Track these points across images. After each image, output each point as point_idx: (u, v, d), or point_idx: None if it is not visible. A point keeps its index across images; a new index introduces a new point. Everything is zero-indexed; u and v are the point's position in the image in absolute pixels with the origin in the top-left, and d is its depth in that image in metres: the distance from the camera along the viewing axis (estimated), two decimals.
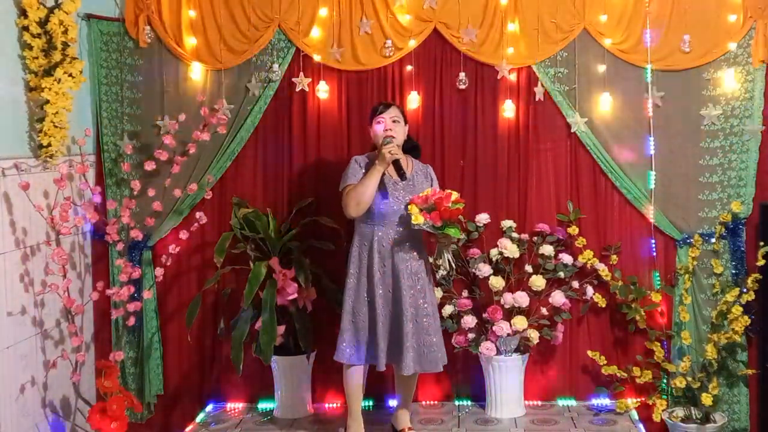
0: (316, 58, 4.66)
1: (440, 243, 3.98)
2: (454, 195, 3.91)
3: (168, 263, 4.47)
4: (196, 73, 4.68)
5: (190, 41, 4.68)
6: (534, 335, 4.52)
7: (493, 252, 4.60)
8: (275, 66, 4.67)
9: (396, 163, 3.96)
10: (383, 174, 3.98)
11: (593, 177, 4.68)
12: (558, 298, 4.55)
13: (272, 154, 4.78)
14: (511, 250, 4.56)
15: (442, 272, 4.61)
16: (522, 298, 4.51)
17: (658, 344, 4.51)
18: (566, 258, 4.59)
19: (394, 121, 4.06)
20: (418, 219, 3.86)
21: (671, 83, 4.55)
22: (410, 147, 4.23)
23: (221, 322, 4.61)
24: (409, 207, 3.92)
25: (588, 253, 4.56)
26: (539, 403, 4.74)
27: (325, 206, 4.65)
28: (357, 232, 4.12)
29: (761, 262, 4.33)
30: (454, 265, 4.20)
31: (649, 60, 4.52)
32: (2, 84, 3.86)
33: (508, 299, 4.52)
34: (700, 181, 4.57)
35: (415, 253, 4.04)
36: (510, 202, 4.73)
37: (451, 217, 3.87)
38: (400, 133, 4.08)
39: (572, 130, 4.63)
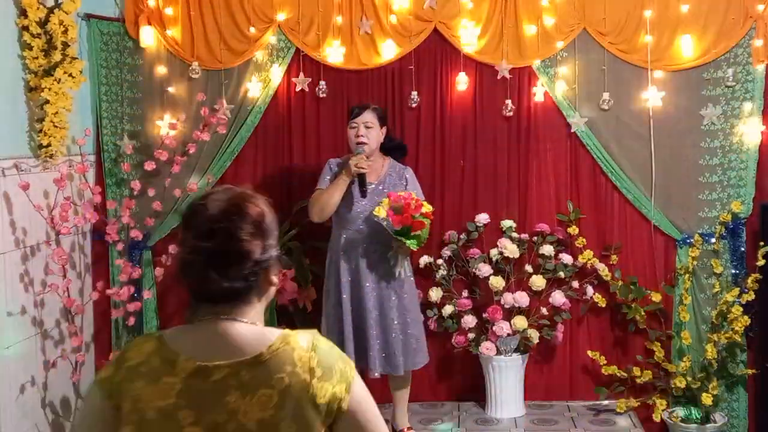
0: (316, 58, 4.66)
1: (398, 246, 3.95)
2: (426, 208, 3.84)
3: (168, 263, 4.47)
4: (196, 73, 4.68)
5: (190, 41, 4.67)
6: (534, 335, 4.52)
7: (493, 252, 4.60)
8: (275, 66, 4.67)
9: (360, 177, 3.95)
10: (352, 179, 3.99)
11: (593, 177, 4.68)
12: (558, 298, 4.55)
13: (272, 154, 4.78)
14: (511, 250, 4.56)
15: (442, 272, 4.62)
16: (522, 298, 4.51)
17: (658, 344, 4.51)
18: (566, 258, 4.59)
19: (367, 127, 4.04)
20: (380, 212, 3.82)
21: (671, 83, 4.55)
22: (392, 147, 4.22)
23: None
24: (382, 200, 3.89)
25: (588, 253, 4.56)
26: (539, 403, 4.74)
27: None
28: (331, 236, 4.14)
29: (761, 262, 4.33)
30: (403, 274, 4.05)
31: (649, 60, 4.52)
32: (2, 84, 3.86)
33: (508, 299, 4.52)
34: (700, 181, 4.56)
35: (383, 256, 4.03)
36: (510, 202, 4.73)
37: (412, 226, 3.78)
38: (374, 138, 4.06)
39: (572, 130, 4.63)
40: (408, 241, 3.84)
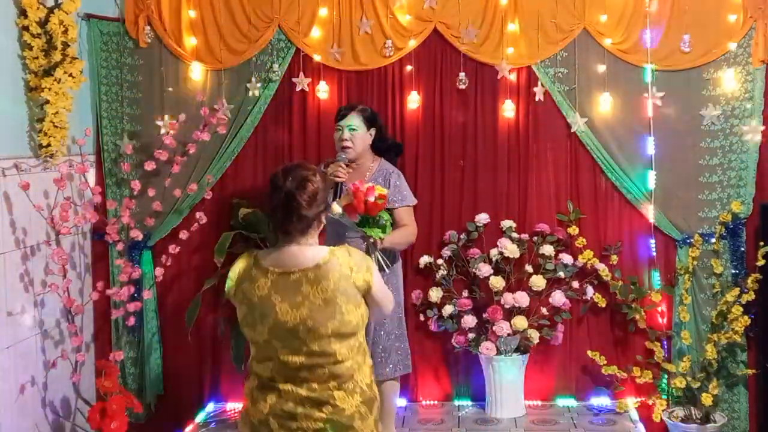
0: (316, 58, 4.66)
1: (367, 240, 3.70)
2: (379, 190, 3.55)
3: (168, 263, 4.47)
4: (196, 73, 4.68)
5: (190, 41, 4.68)
6: (534, 335, 4.52)
7: (493, 252, 4.60)
8: (275, 66, 4.67)
9: (337, 186, 3.84)
10: None
11: (593, 177, 4.68)
12: (558, 298, 4.55)
13: (272, 154, 4.78)
14: (511, 250, 4.56)
15: (442, 272, 4.62)
16: (522, 298, 4.51)
17: (658, 344, 4.51)
18: (566, 258, 4.59)
19: (351, 130, 3.98)
20: (335, 209, 3.60)
21: (671, 83, 4.55)
22: (385, 148, 4.14)
23: (221, 322, 4.61)
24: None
25: (588, 253, 4.56)
26: (539, 403, 4.74)
27: None
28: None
29: (761, 262, 4.33)
30: (385, 267, 3.87)
31: (649, 60, 4.52)
32: (2, 84, 3.86)
33: (508, 299, 4.52)
34: (700, 181, 4.56)
35: None
36: (510, 202, 4.72)
37: (369, 212, 3.53)
38: (359, 142, 3.99)
39: (572, 130, 4.63)
40: (371, 231, 3.62)
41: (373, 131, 4.07)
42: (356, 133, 3.99)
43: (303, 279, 2.55)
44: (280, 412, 2.56)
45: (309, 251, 2.61)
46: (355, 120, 4.00)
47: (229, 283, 2.68)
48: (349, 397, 2.58)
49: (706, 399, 4.32)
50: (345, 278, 2.58)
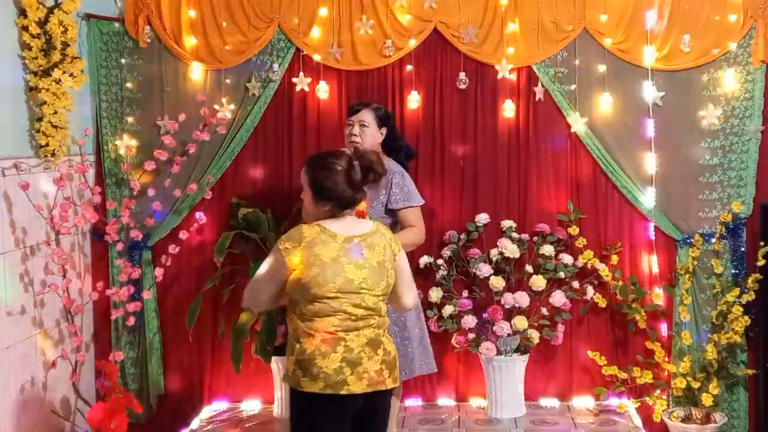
0: (316, 58, 4.66)
1: None
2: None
3: (168, 263, 4.47)
4: (196, 73, 4.68)
5: (190, 41, 4.67)
6: (534, 335, 4.52)
7: (493, 252, 4.60)
8: (275, 66, 4.67)
9: None
10: None
11: (593, 177, 4.68)
12: (558, 298, 4.55)
13: (272, 154, 4.78)
14: (511, 250, 4.56)
15: (442, 272, 4.62)
16: (522, 298, 4.51)
17: (658, 344, 4.51)
18: (566, 258, 4.59)
19: (362, 126, 3.95)
20: None
21: (671, 83, 4.55)
22: (394, 149, 4.10)
23: (221, 322, 4.61)
24: None
25: (588, 253, 4.56)
26: (539, 403, 4.74)
27: None
28: None
29: (761, 262, 4.33)
30: None
31: (649, 60, 4.52)
32: (2, 84, 3.86)
33: (508, 299, 4.52)
34: (700, 181, 4.57)
35: None
36: (510, 202, 4.72)
37: None
38: (368, 139, 3.95)
39: (572, 130, 4.63)
40: None
41: (384, 131, 4.04)
42: (366, 129, 3.96)
43: (363, 243, 2.99)
44: (349, 359, 2.93)
45: (359, 221, 3.09)
46: (366, 116, 3.97)
47: (294, 254, 2.95)
48: (390, 341, 3.08)
49: (706, 399, 4.32)
50: (387, 246, 3.06)
